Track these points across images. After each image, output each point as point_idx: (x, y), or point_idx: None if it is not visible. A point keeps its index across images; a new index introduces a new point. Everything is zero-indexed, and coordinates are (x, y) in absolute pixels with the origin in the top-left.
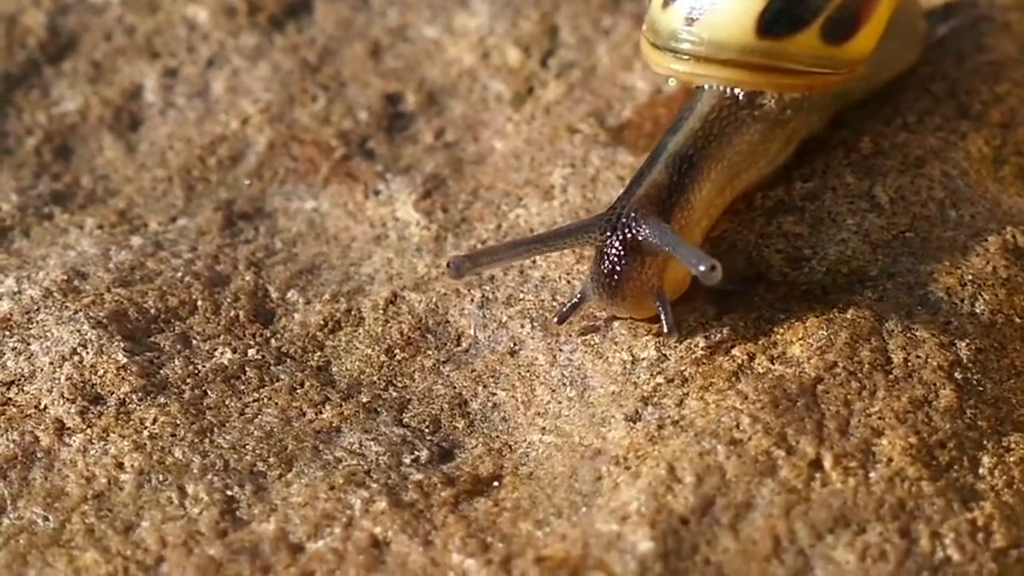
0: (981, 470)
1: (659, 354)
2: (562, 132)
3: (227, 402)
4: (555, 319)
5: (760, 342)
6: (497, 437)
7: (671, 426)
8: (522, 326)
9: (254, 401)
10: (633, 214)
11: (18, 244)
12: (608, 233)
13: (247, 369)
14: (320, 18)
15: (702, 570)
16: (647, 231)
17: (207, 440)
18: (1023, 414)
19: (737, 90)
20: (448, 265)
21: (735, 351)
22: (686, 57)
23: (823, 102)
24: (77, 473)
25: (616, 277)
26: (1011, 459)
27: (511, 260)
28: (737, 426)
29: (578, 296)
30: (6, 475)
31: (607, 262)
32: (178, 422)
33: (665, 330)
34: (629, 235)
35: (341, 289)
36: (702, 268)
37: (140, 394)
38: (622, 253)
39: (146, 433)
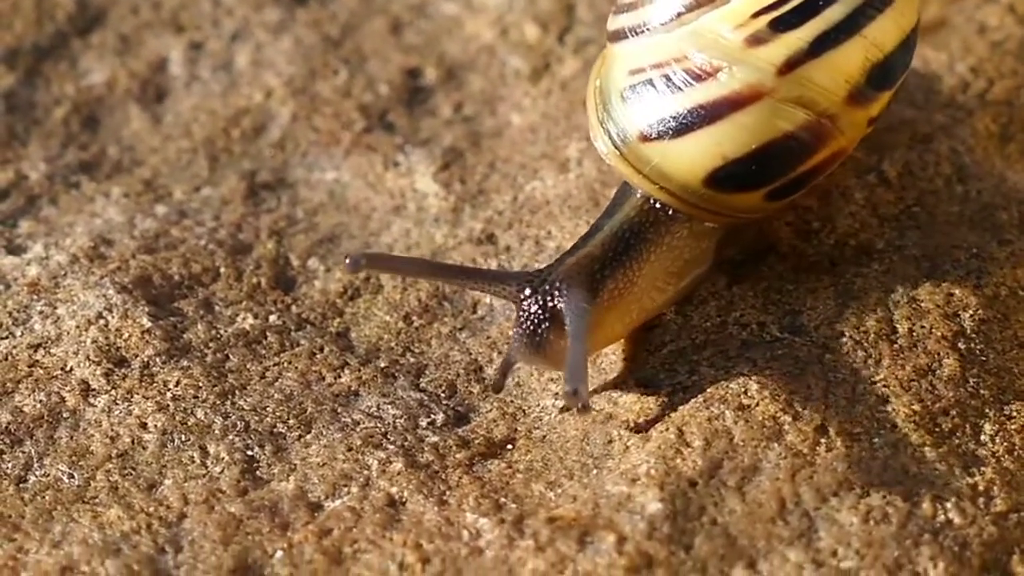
0: (983, 437)
1: (672, 322)
2: (578, 107)
3: (248, 366)
4: (492, 389)
5: (769, 311)
6: (511, 402)
7: (681, 392)
8: None
9: (274, 365)
10: (559, 282)
11: (46, 212)
12: (528, 293)
13: (268, 334)
14: None
15: (709, 531)
16: (564, 305)
17: (228, 402)
18: None
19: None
20: (346, 258)
21: (745, 320)
22: (625, 163)
23: None
24: (102, 432)
25: (537, 339)
26: (1012, 427)
27: (413, 276)
28: (745, 392)
29: (510, 359)
30: (33, 434)
31: (527, 323)
32: (200, 384)
33: (579, 407)
34: (550, 302)
35: None
36: (567, 388)
37: (163, 357)
38: (542, 317)
39: (169, 395)
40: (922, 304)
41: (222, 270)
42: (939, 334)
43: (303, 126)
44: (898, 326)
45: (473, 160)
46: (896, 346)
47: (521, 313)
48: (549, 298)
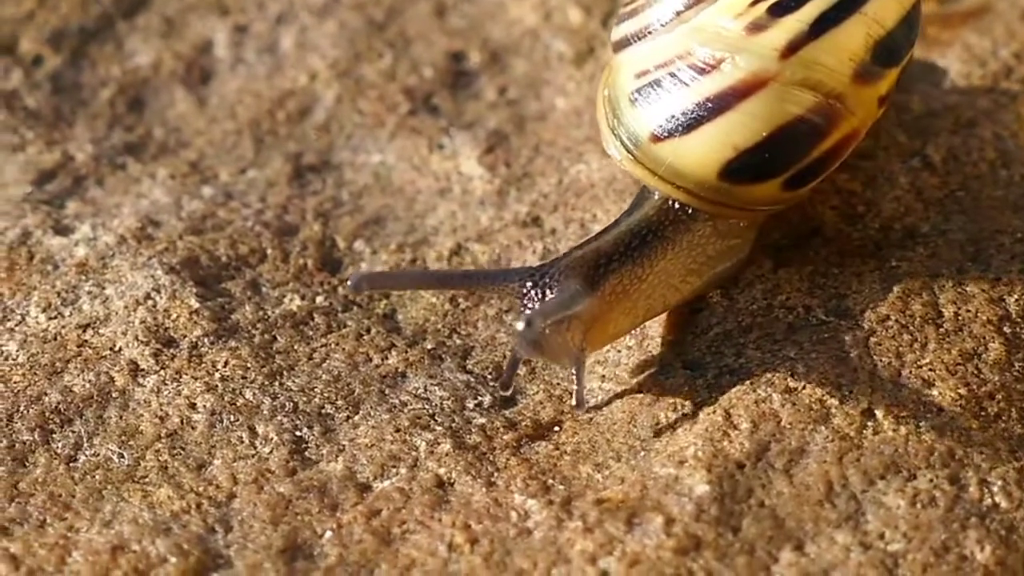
0: None
1: (718, 304)
2: None
3: (296, 347)
4: (500, 387)
5: (815, 295)
6: (558, 384)
7: (728, 375)
8: None
9: (322, 346)
10: (558, 274)
11: (92, 193)
12: (529, 287)
13: (315, 316)
14: None
15: (756, 513)
16: (556, 290)
17: (277, 383)
18: None
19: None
20: (347, 281)
21: (791, 303)
22: (640, 166)
23: None
24: (151, 412)
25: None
26: None
27: (417, 288)
28: (792, 375)
29: (515, 355)
30: (82, 413)
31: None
32: (248, 365)
33: (573, 402)
34: (548, 294)
35: (406, 240)
36: (520, 324)
37: (212, 338)
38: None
39: (217, 375)
40: (967, 288)
41: (269, 252)
42: (984, 318)
43: (348, 109)
44: (943, 310)
45: (518, 143)
46: (942, 330)
47: (522, 308)
48: (548, 290)
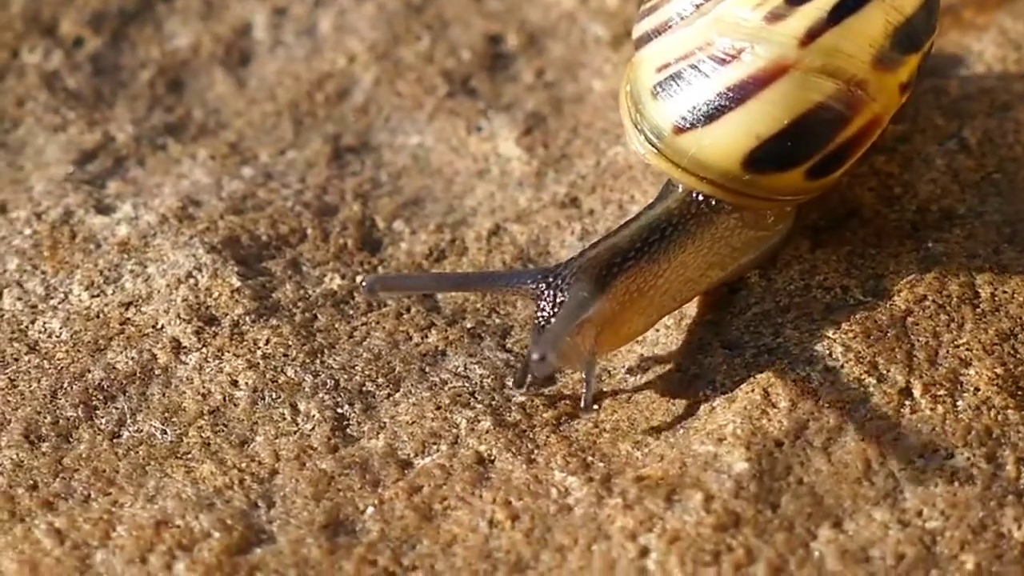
0: None
1: (756, 285)
2: None
3: (336, 325)
4: (515, 384)
5: (853, 275)
6: (596, 363)
7: (766, 354)
8: None
9: (362, 325)
10: (570, 276)
11: (133, 173)
12: (543, 289)
13: (355, 294)
14: None
15: (795, 490)
16: (568, 295)
17: (318, 360)
18: None
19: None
20: (362, 283)
21: (828, 283)
22: (664, 159)
23: None
24: (193, 390)
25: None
26: None
27: (431, 291)
28: (830, 354)
29: (530, 356)
30: (125, 390)
31: (540, 320)
32: (290, 343)
33: (581, 404)
34: (559, 298)
35: (445, 220)
36: (534, 354)
37: (253, 316)
38: (552, 313)
39: (259, 353)
40: (1004, 269)
41: (309, 231)
42: (1021, 298)
43: (386, 91)
44: (980, 290)
45: (555, 125)
46: (979, 310)
47: (536, 309)
48: (560, 293)
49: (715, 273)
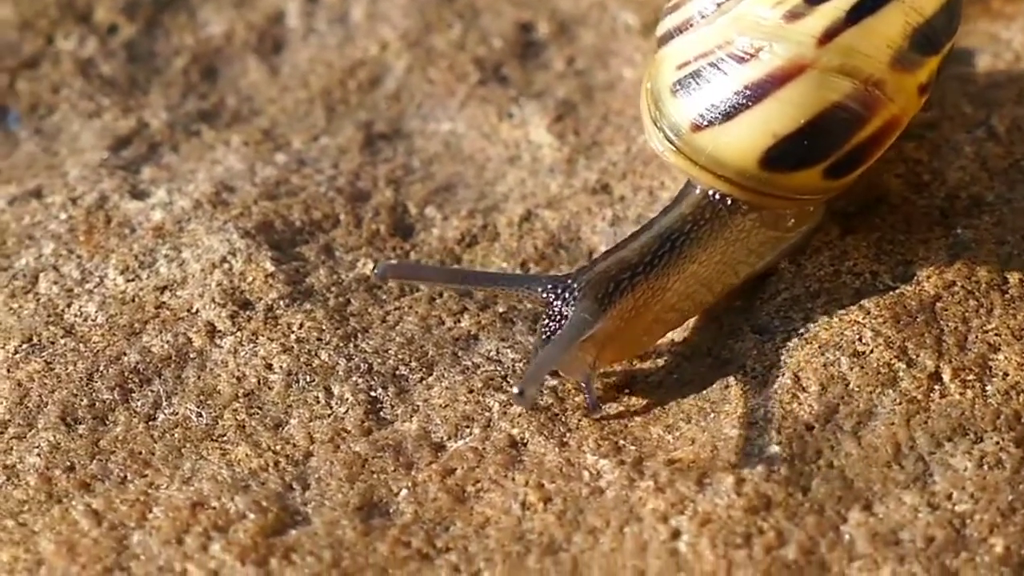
0: None
1: (786, 271)
2: None
3: (370, 310)
4: (516, 390)
5: (882, 261)
6: None
7: (796, 339)
8: None
9: (395, 309)
10: (578, 291)
11: (167, 159)
12: (552, 299)
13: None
14: None
15: (825, 474)
16: (571, 312)
17: (351, 344)
18: None
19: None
20: (374, 268)
21: (858, 269)
22: (682, 156)
23: None
24: (228, 373)
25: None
26: None
27: (441, 284)
28: (860, 339)
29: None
30: (161, 373)
31: (546, 330)
32: (323, 327)
33: (587, 405)
34: (565, 311)
35: (477, 206)
36: (515, 389)
37: (287, 300)
38: (558, 326)
39: (293, 337)
40: None
41: (342, 217)
42: None
43: (418, 78)
44: (1009, 276)
45: (586, 113)
46: (1007, 296)
47: (544, 318)
48: (565, 307)
49: (728, 281)
